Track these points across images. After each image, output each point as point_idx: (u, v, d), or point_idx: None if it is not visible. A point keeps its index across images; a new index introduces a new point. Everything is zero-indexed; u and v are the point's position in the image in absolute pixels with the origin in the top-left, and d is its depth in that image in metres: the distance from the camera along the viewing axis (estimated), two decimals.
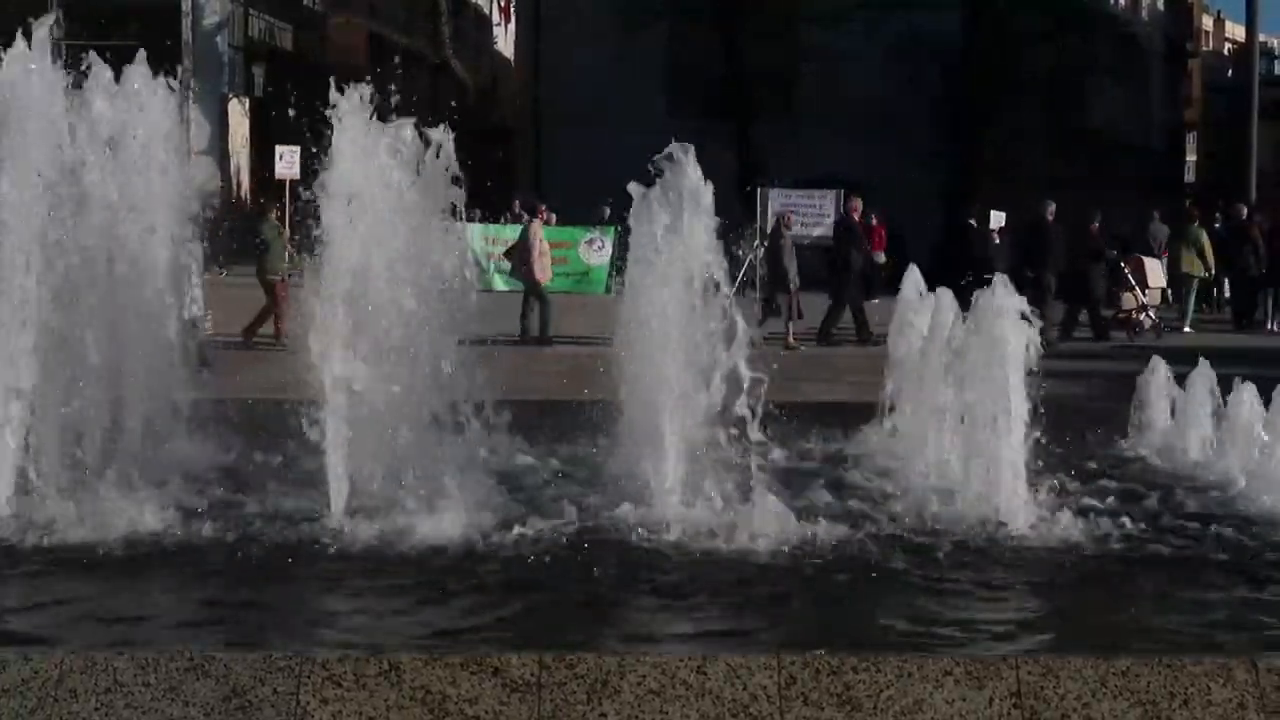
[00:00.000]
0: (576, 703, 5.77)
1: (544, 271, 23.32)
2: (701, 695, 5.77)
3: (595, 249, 31.51)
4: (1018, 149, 43.52)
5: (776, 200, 31.44)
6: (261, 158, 48.06)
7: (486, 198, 38.99)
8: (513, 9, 60.45)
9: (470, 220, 33.52)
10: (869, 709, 5.76)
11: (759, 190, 32.17)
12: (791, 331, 22.75)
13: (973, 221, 24.54)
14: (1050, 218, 24.05)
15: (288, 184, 26.16)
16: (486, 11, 71.35)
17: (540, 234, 23.40)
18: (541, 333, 22.78)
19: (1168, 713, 5.77)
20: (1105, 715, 5.75)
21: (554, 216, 23.71)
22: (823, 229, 30.36)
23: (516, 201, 38.34)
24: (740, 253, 31.07)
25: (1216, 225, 28.31)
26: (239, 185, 47.14)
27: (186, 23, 45.72)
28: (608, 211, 32.59)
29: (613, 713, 5.75)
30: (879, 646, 6.22)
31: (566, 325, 23.55)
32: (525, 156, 50.35)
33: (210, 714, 5.72)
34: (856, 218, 23.81)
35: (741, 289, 30.37)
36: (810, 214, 30.19)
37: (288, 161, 27.29)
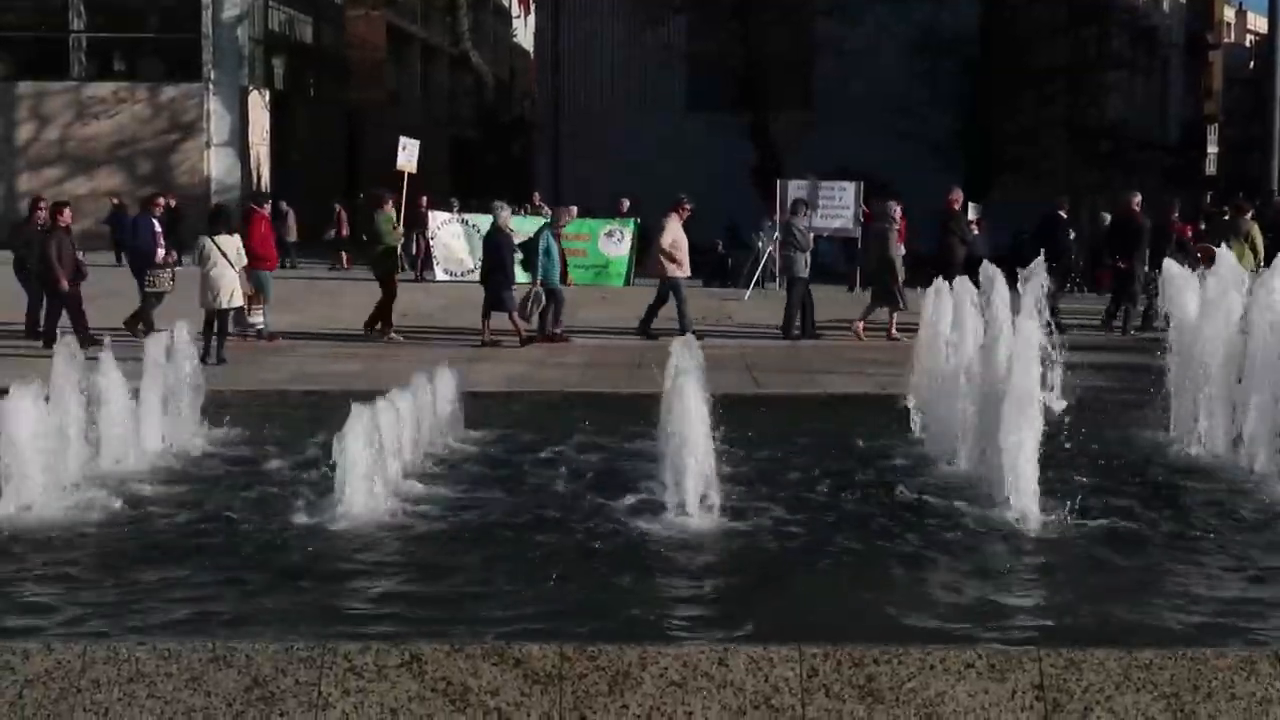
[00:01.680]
0: (598, 694, 5.76)
1: (679, 266, 22.42)
2: (723, 687, 5.75)
3: (614, 241, 31.50)
4: (1035, 142, 43.39)
5: (796, 192, 31.43)
6: (280, 149, 48.32)
7: (507, 189, 39.10)
8: (532, 1, 60.45)
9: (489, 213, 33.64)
10: (891, 701, 5.74)
11: (777, 182, 32.18)
12: (894, 323, 22.12)
13: (1062, 213, 24.50)
14: (1137, 208, 23.87)
15: (406, 176, 26.05)
16: (506, 4, 71.41)
17: (676, 228, 22.72)
18: (643, 323, 22.10)
19: (1191, 706, 5.74)
20: (1128, 708, 5.72)
21: (688, 209, 22.94)
22: (842, 221, 30.34)
23: (536, 194, 38.35)
24: (760, 244, 31.08)
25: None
26: (259, 177, 47.26)
27: (207, 15, 45.86)
28: (626, 204, 32.61)
29: (634, 704, 5.74)
30: (901, 638, 6.19)
31: (589, 316, 23.54)
32: (544, 148, 50.40)
33: (232, 704, 5.72)
34: (957, 208, 23.38)
35: (760, 281, 30.36)
36: (829, 206, 30.18)
37: (409, 154, 27.23)
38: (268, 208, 22.21)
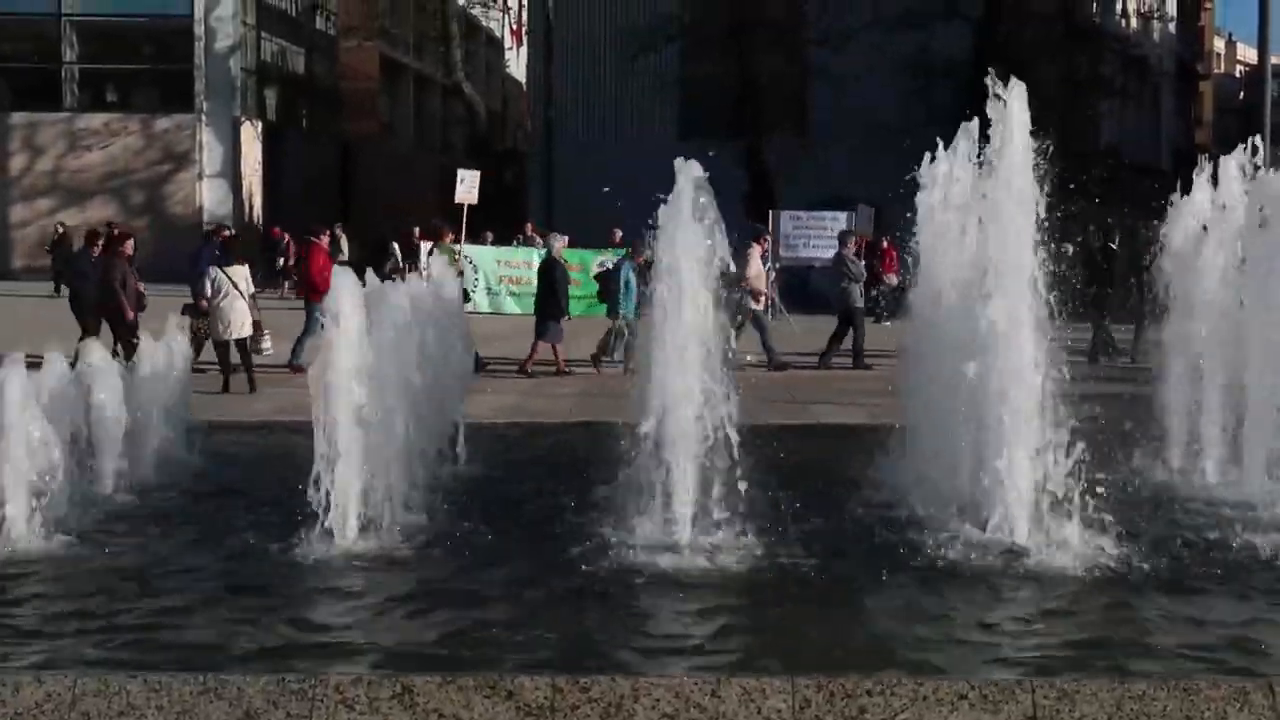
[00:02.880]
0: None
1: (762, 295, 22.72)
2: (716, 718, 5.75)
3: None
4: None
5: (788, 223, 31.48)
6: (273, 180, 48.36)
7: (500, 219, 39.10)
8: (524, 32, 60.61)
9: (482, 243, 33.63)
10: None
11: (769, 212, 32.20)
12: None
13: (1111, 244, 24.82)
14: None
15: (465, 209, 25.99)
16: (498, 34, 71.56)
17: (757, 260, 22.98)
18: (767, 354, 22.13)
19: None
20: None
21: (768, 241, 23.21)
22: (835, 250, 30.35)
23: (529, 224, 38.35)
24: None
25: None
26: (251, 208, 47.28)
27: (199, 46, 45.93)
28: (619, 234, 32.61)
29: None
30: (893, 669, 6.18)
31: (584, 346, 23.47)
32: (537, 179, 50.47)
33: None
34: None
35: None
36: (821, 236, 30.20)
37: (468, 186, 27.18)
38: (325, 239, 22.10)
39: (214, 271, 18.92)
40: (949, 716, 5.74)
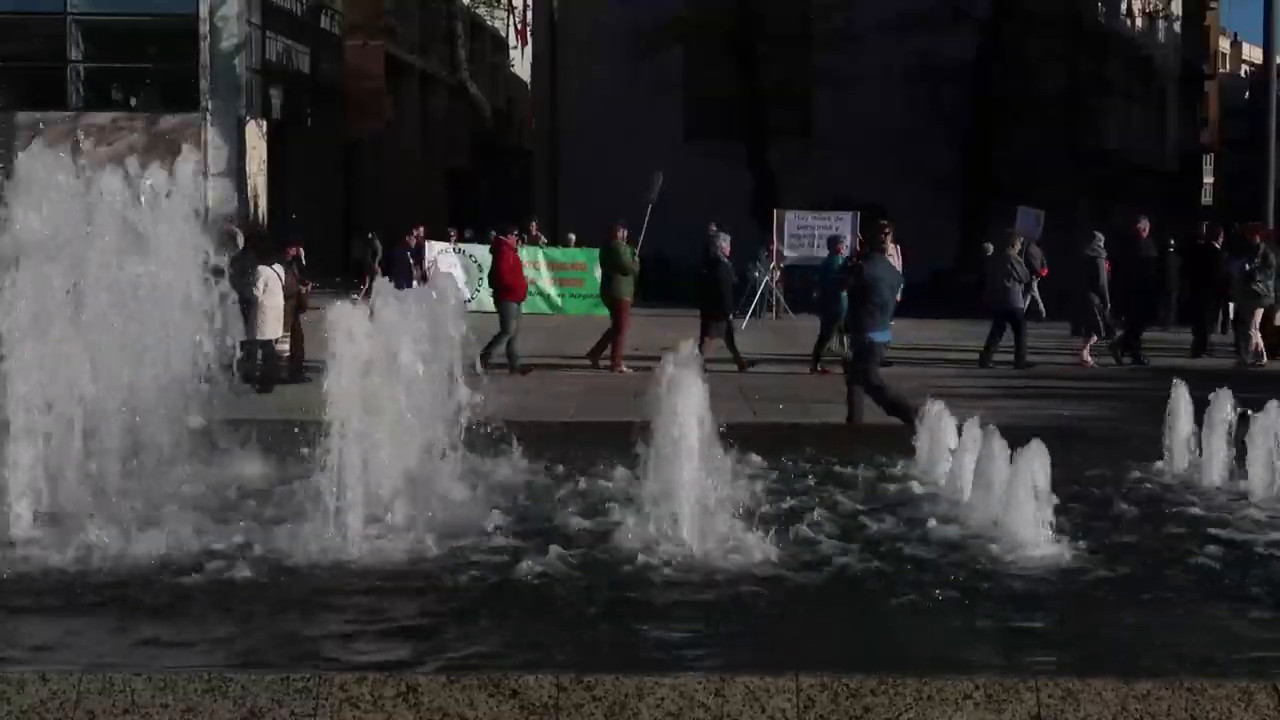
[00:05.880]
0: None
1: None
2: (720, 718, 5.74)
3: None
4: (1033, 171, 43.49)
5: (792, 223, 31.49)
6: (277, 179, 48.37)
7: (505, 220, 39.13)
8: (529, 31, 60.64)
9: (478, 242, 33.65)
10: None
11: (774, 212, 32.24)
12: (1089, 347, 22.98)
13: (1206, 241, 25.18)
14: (1218, 242, 24.75)
15: (649, 208, 26.10)
16: (503, 34, 71.60)
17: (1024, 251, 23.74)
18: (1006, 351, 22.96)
19: None
20: None
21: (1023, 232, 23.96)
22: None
23: (534, 224, 38.36)
24: (756, 274, 31.11)
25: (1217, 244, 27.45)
26: (256, 207, 47.28)
27: (205, 46, 45.94)
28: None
29: None
30: (898, 668, 6.18)
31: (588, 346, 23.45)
32: (542, 178, 50.47)
33: None
34: (1145, 236, 24.02)
35: (757, 311, 30.39)
36: (825, 236, 30.21)
37: (658, 187, 27.38)
38: (514, 238, 22.11)
39: (265, 270, 18.69)
40: (953, 716, 5.74)
